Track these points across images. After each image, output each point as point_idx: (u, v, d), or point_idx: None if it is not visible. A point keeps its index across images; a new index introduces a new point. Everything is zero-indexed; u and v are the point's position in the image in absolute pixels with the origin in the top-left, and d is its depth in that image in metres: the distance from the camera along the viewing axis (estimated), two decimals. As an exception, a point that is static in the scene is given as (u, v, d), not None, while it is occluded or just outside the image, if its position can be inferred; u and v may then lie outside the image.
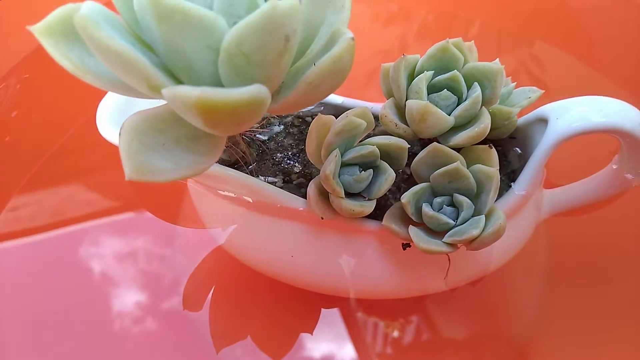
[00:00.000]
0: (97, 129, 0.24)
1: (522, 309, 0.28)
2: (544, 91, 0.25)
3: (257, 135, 0.27)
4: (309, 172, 0.26)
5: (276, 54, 0.16)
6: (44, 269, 0.33)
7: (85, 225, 0.35)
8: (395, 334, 0.27)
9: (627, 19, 0.40)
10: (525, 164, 0.24)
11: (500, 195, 0.25)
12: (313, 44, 0.19)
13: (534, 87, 0.26)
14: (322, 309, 0.29)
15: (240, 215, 0.25)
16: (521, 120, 0.25)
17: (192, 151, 0.18)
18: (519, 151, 0.26)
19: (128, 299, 0.31)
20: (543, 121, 0.24)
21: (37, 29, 0.16)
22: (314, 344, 0.28)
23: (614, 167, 0.25)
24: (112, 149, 0.37)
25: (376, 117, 0.27)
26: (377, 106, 0.28)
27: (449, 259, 0.24)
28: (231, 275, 0.31)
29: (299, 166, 0.26)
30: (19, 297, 0.31)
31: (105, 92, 0.26)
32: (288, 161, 0.26)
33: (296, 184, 0.25)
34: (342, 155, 0.22)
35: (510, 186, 0.25)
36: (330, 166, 0.21)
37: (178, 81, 0.17)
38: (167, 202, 0.34)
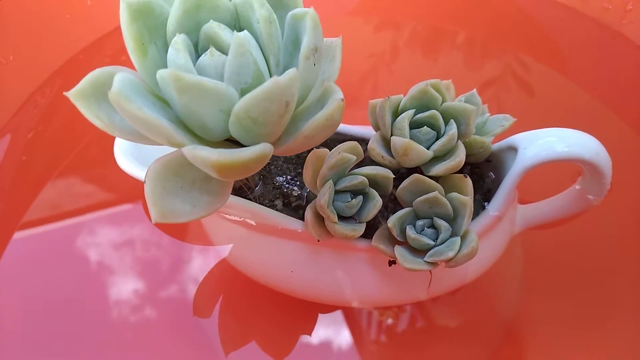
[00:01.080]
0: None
1: (498, 312, 0.32)
2: (516, 119, 0.28)
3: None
4: (305, 195, 0.29)
5: (278, 117, 0.19)
6: (43, 262, 0.36)
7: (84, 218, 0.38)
8: (389, 321, 0.30)
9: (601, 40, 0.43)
10: (498, 187, 0.27)
11: (476, 213, 0.28)
12: (309, 96, 0.22)
13: (507, 115, 0.29)
14: (320, 314, 0.32)
15: (244, 235, 0.28)
16: (495, 146, 0.28)
17: (206, 191, 0.21)
18: (493, 176, 0.29)
19: (133, 299, 0.34)
20: (513, 149, 0.27)
21: (72, 94, 0.19)
22: (312, 344, 0.31)
23: (577, 187, 0.28)
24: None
25: (365, 141, 0.30)
26: (367, 131, 0.31)
27: (431, 273, 0.27)
28: (238, 285, 0.34)
29: (297, 190, 0.29)
30: (19, 289, 0.34)
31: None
32: (287, 185, 0.29)
33: (294, 206, 0.28)
34: (335, 183, 0.25)
35: (485, 206, 0.28)
36: (324, 197, 0.24)
37: (194, 135, 0.20)
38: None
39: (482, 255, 0.28)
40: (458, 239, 0.24)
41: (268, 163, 0.30)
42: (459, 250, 0.24)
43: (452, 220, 0.25)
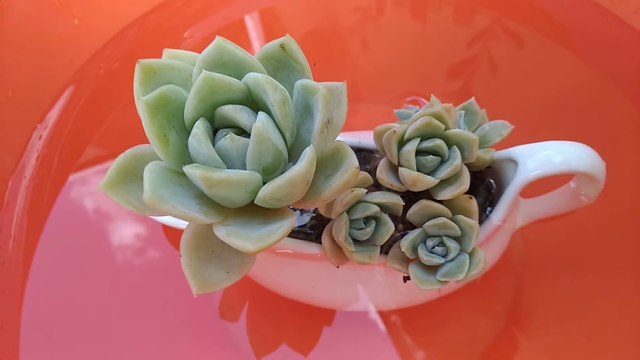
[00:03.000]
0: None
1: (501, 299, 0.35)
2: (514, 126, 0.30)
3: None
4: (319, 217, 0.30)
5: (299, 194, 0.20)
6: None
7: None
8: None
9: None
10: (500, 194, 0.29)
11: (480, 216, 0.30)
12: (323, 152, 0.23)
13: (506, 122, 0.30)
14: (340, 316, 0.35)
15: (264, 257, 0.30)
16: (496, 155, 0.30)
17: (235, 252, 0.23)
18: (494, 185, 0.30)
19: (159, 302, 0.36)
20: (513, 162, 0.28)
21: (102, 186, 0.20)
22: (334, 341, 0.34)
23: (572, 185, 0.30)
24: None
25: (370, 151, 0.32)
26: (371, 141, 0.32)
27: (442, 281, 0.29)
28: (262, 291, 0.36)
29: (311, 212, 0.30)
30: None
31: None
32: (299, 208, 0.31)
33: (309, 226, 0.30)
34: (348, 211, 0.27)
35: (487, 210, 0.30)
36: (341, 233, 0.26)
37: (221, 207, 0.21)
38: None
39: (488, 258, 0.30)
40: (467, 257, 0.26)
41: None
42: (468, 271, 0.26)
43: (460, 238, 0.27)
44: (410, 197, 0.28)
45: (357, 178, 0.21)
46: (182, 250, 0.21)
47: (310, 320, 0.34)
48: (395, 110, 0.31)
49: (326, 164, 0.22)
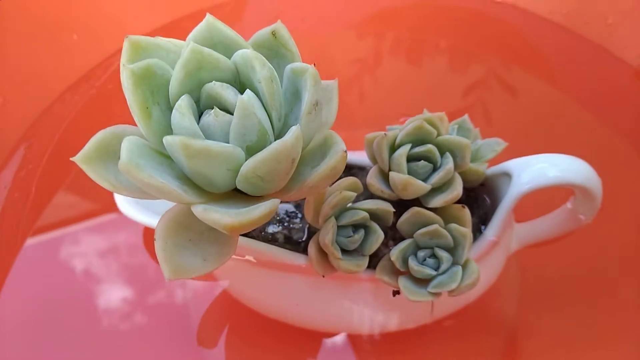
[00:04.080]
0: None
1: (497, 328, 0.33)
2: (507, 144, 0.29)
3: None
4: (307, 228, 0.29)
5: (284, 174, 0.19)
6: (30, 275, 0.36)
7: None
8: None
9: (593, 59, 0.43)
10: (494, 211, 0.28)
11: (474, 236, 0.28)
12: (310, 142, 0.22)
13: (499, 140, 0.30)
14: (325, 339, 0.33)
15: (247, 270, 0.29)
16: (489, 171, 0.29)
17: (214, 242, 0.21)
18: (488, 201, 0.29)
19: (136, 329, 0.34)
20: (507, 175, 0.28)
21: (79, 159, 0.19)
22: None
23: (569, 206, 0.29)
24: None
25: (361, 168, 0.31)
26: (363, 159, 0.31)
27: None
28: (243, 313, 0.34)
29: (298, 222, 0.29)
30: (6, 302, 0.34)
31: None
32: (289, 216, 0.30)
33: (296, 238, 0.29)
34: (337, 218, 0.26)
35: (482, 229, 0.28)
36: (328, 236, 0.24)
37: (201, 190, 0.20)
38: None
39: (482, 278, 0.29)
40: (459, 269, 0.25)
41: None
42: (461, 281, 0.24)
43: (453, 249, 0.26)
44: (401, 212, 0.27)
45: (344, 163, 0.20)
46: (158, 235, 0.20)
47: (292, 346, 0.32)
48: (387, 127, 0.31)
49: (313, 156, 0.22)
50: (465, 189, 0.30)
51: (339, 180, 0.26)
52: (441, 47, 0.58)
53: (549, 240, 0.31)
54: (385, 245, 0.28)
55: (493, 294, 0.32)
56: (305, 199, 0.26)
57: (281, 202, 0.31)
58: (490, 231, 0.28)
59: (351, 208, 0.26)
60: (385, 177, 0.27)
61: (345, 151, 0.20)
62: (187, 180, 0.20)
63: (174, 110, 0.19)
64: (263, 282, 0.29)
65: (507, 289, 0.33)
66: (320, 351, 0.32)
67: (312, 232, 0.28)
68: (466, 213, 0.26)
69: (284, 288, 0.28)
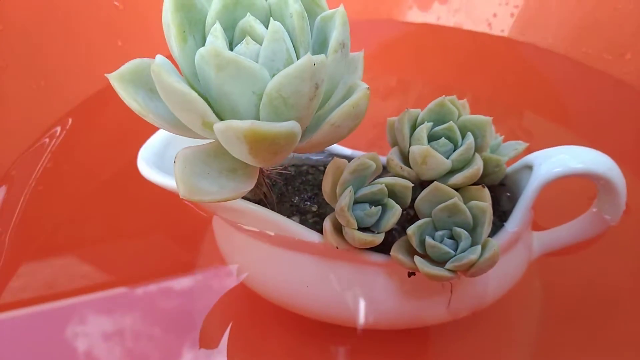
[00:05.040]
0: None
1: (518, 346, 0.30)
2: (529, 144, 0.29)
3: (277, 179, 0.30)
4: (323, 212, 0.29)
5: (307, 99, 0.19)
6: (35, 344, 0.32)
7: (80, 300, 0.34)
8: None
9: (603, 91, 0.44)
10: (515, 206, 0.28)
11: (494, 233, 0.28)
12: (333, 96, 0.23)
13: (520, 141, 0.30)
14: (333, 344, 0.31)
15: (260, 249, 0.28)
16: (510, 169, 0.29)
17: (232, 179, 0.21)
18: (509, 194, 0.29)
19: None
20: (529, 168, 0.28)
21: (112, 76, 0.20)
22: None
23: (594, 210, 0.28)
24: (111, 219, 0.38)
25: (382, 168, 0.31)
26: (384, 158, 0.32)
27: (451, 290, 0.26)
28: (247, 315, 0.33)
29: (315, 207, 0.29)
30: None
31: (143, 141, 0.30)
32: (305, 202, 0.29)
33: (311, 222, 0.28)
34: (354, 193, 0.25)
35: (503, 226, 0.28)
36: (345, 199, 0.24)
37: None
38: (187, 241, 0.37)
39: (502, 275, 0.27)
40: (479, 247, 0.24)
41: (285, 183, 0.31)
42: (480, 256, 0.23)
43: (472, 229, 0.25)
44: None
45: (367, 101, 0.21)
46: (178, 159, 0.20)
47: (300, 344, 0.30)
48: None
49: (338, 103, 0.22)
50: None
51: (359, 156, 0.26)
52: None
53: (573, 248, 0.29)
54: (401, 231, 0.28)
55: (512, 307, 0.30)
56: (324, 174, 0.26)
57: (296, 178, 0.31)
58: (512, 223, 0.27)
59: (370, 184, 0.26)
60: (405, 157, 0.27)
61: (368, 88, 0.20)
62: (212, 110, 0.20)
63: (208, 36, 0.20)
64: (275, 262, 0.28)
65: (527, 303, 0.31)
66: (328, 352, 0.30)
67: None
68: (486, 193, 0.25)
69: (295, 268, 0.27)
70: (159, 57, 0.19)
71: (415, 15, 0.50)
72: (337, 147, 0.32)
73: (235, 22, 0.21)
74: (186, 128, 0.21)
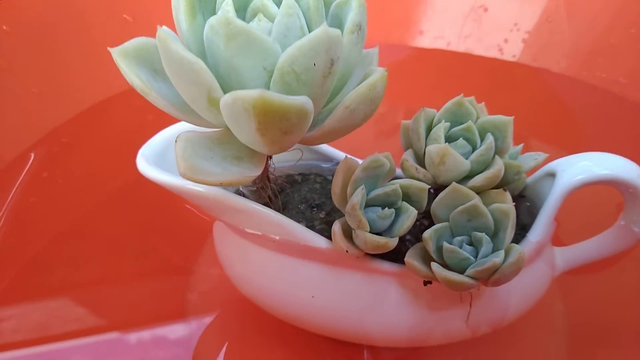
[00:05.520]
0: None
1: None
2: (549, 154, 0.28)
3: (284, 185, 0.29)
4: (331, 219, 0.27)
5: (321, 75, 0.18)
6: None
7: (72, 344, 0.31)
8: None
9: (619, 116, 0.43)
10: (536, 216, 0.26)
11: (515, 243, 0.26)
12: (348, 84, 0.21)
13: (540, 152, 0.28)
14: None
15: (263, 256, 0.26)
16: (530, 179, 0.27)
17: (237, 164, 0.20)
18: (529, 204, 0.27)
19: None
20: (551, 176, 0.26)
21: (116, 51, 0.19)
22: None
23: (622, 223, 0.27)
24: (109, 261, 0.35)
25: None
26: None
27: (471, 303, 0.24)
28: (245, 334, 0.30)
29: (322, 213, 0.27)
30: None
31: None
32: (312, 209, 0.28)
33: (319, 229, 0.26)
34: (366, 194, 0.24)
35: (524, 237, 0.26)
36: (357, 197, 0.22)
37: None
38: (184, 251, 0.35)
39: (524, 288, 0.25)
40: (502, 252, 0.22)
41: (292, 191, 0.29)
42: (504, 260, 0.21)
43: (493, 235, 0.23)
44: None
45: (385, 84, 0.19)
46: (179, 139, 0.19)
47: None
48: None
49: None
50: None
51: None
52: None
53: (599, 264, 0.27)
54: (415, 242, 0.26)
55: (533, 326, 0.28)
56: (335, 174, 0.24)
57: (302, 186, 0.29)
58: (535, 233, 0.25)
59: (383, 185, 0.24)
60: (420, 159, 0.25)
61: (386, 70, 0.19)
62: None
63: (219, 11, 0.19)
64: (278, 270, 0.26)
65: (549, 323, 0.29)
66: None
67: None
68: (507, 196, 0.24)
69: (300, 276, 0.25)
70: (165, 27, 0.18)
71: (426, 41, 0.50)
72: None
73: (247, 3, 0.20)
74: (190, 110, 0.20)
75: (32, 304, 0.34)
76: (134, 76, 0.19)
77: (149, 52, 0.20)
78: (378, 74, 0.19)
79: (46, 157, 0.42)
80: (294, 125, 0.18)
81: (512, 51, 0.48)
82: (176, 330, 0.31)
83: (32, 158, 0.42)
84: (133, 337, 0.31)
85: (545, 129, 0.43)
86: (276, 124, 0.17)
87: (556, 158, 0.26)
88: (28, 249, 0.36)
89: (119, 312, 0.33)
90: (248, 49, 0.18)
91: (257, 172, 0.20)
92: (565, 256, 0.28)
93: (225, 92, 0.19)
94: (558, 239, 0.27)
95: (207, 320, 0.31)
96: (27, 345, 0.31)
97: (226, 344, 0.30)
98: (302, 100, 0.17)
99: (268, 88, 0.18)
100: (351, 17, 0.19)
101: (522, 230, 0.27)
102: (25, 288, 0.35)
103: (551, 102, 0.45)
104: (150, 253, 0.36)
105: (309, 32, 0.20)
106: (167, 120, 0.26)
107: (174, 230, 0.36)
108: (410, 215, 0.23)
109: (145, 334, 0.31)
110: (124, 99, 0.45)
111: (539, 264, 0.26)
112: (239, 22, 0.17)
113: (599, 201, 0.28)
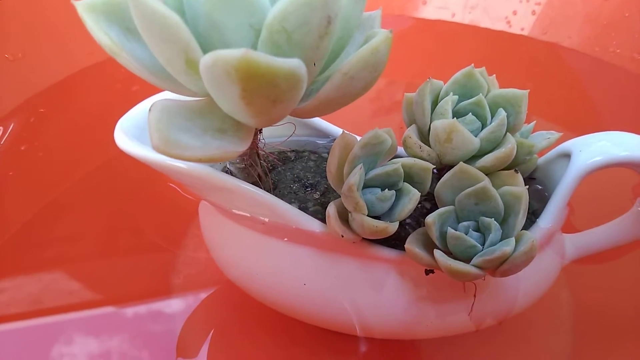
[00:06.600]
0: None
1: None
2: (562, 133, 0.26)
3: (275, 162, 0.27)
4: (326, 201, 0.25)
5: (317, 35, 0.16)
6: None
7: (65, 317, 0.30)
8: None
9: (633, 95, 0.40)
10: (548, 201, 0.24)
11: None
12: (347, 48, 0.19)
13: (553, 131, 0.26)
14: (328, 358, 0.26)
15: (251, 239, 0.24)
16: (542, 159, 0.25)
17: (219, 138, 0.17)
18: (540, 187, 0.25)
19: None
20: (565, 157, 0.24)
21: (81, 4, 0.17)
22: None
23: (639, 209, 0.25)
24: (102, 237, 0.33)
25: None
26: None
27: (475, 293, 0.22)
28: (232, 320, 0.29)
29: (317, 194, 0.25)
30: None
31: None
32: (305, 189, 0.25)
33: (312, 210, 0.24)
34: (365, 174, 0.22)
35: (534, 222, 0.24)
36: (354, 177, 0.20)
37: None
38: (168, 235, 0.33)
39: (533, 278, 0.23)
40: (512, 239, 0.20)
41: (284, 169, 0.27)
42: (515, 249, 0.19)
43: (503, 221, 0.21)
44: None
45: (389, 48, 0.17)
46: (154, 107, 0.17)
47: (292, 355, 0.26)
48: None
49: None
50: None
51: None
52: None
53: (611, 253, 0.25)
54: (416, 226, 0.24)
55: (539, 321, 0.26)
56: (331, 151, 0.22)
57: (296, 164, 0.27)
58: (545, 219, 0.23)
59: (384, 164, 0.22)
60: (424, 136, 0.23)
61: (391, 31, 0.17)
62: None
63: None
64: (267, 254, 0.24)
65: (555, 314, 0.27)
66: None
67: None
68: (519, 178, 0.21)
69: (291, 262, 0.23)
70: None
71: (429, 11, 0.47)
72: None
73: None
74: (167, 75, 0.17)
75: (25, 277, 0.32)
76: (102, 34, 0.17)
77: (121, 8, 0.17)
78: (382, 35, 0.17)
79: (24, 128, 0.39)
80: (285, 93, 0.16)
81: (520, 24, 0.45)
82: (159, 317, 0.29)
83: (10, 128, 0.39)
84: (112, 317, 0.29)
85: (556, 107, 0.40)
86: (263, 90, 0.15)
87: (567, 138, 0.24)
88: (9, 227, 0.34)
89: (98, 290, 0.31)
90: (232, 3, 0.15)
91: (243, 147, 0.18)
92: (576, 243, 0.26)
93: (205, 53, 0.17)
94: (570, 225, 0.25)
95: (193, 305, 0.30)
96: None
97: (212, 332, 0.28)
98: (293, 63, 0.15)
99: (255, 49, 0.16)
100: (352, -29, 0.17)
101: (531, 215, 0.25)
102: (11, 263, 0.33)
103: (562, 78, 0.42)
104: (135, 232, 0.34)
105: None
106: (154, 91, 0.24)
107: (157, 209, 0.34)
108: (412, 197, 0.21)
109: (128, 312, 0.29)
110: (108, 67, 0.42)
111: (548, 252, 0.24)
112: (221, -30, 0.15)
113: (612, 185, 0.26)
